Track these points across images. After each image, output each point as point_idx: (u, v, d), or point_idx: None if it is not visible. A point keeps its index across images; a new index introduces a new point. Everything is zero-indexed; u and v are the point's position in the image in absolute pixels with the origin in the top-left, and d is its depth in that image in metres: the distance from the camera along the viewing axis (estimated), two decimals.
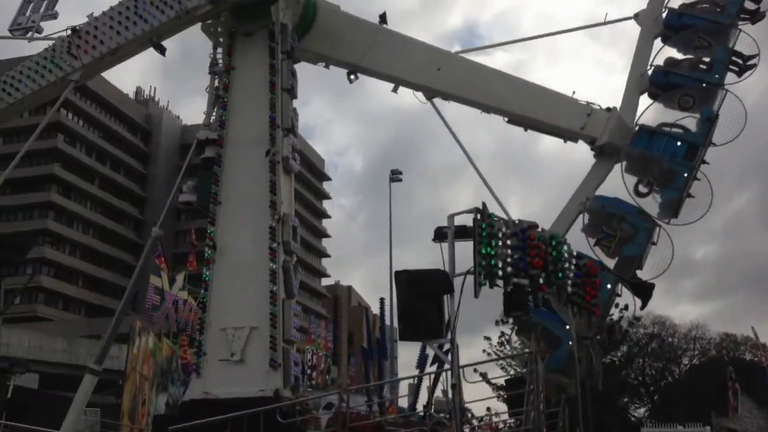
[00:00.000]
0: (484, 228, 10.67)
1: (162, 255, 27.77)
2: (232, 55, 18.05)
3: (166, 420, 16.00)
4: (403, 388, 23.60)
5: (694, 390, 48.25)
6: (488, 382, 26.11)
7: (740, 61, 16.28)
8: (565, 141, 17.32)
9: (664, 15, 17.12)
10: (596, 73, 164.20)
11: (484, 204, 11.15)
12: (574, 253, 12.28)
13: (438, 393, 16.18)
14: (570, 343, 13.40)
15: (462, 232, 10.80)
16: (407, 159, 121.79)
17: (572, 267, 11.87)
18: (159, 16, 17.63)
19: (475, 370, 13.07)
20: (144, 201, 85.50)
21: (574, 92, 16.97)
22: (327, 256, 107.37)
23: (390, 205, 36.00)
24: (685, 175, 14.82)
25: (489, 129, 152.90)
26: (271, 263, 16.26)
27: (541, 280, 11.16)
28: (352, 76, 19.03)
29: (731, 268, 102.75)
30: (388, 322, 27.27)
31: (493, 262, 10.63)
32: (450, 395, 10.77)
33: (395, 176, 36.17)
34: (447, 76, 17.92)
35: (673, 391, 53.71)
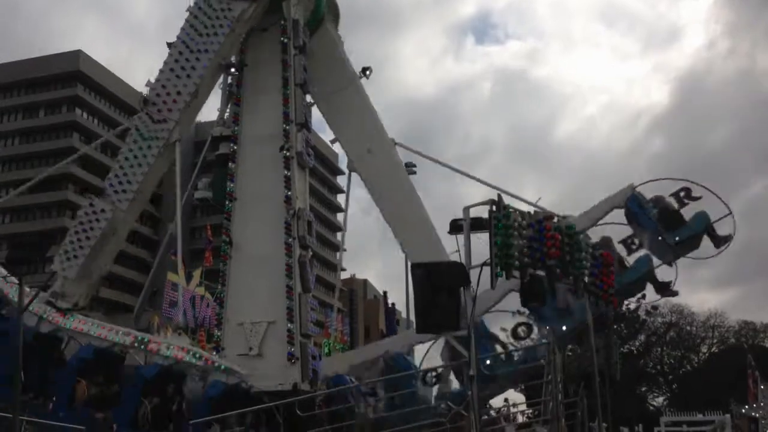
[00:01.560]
0: (500, 219, 10.64)
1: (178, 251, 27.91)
2: (245, 51, 18.09)
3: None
4: None
5: (713, 378, 47.95)
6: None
7: (715, 238, 16.90)
8: None
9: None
10: (612, 60, 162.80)
11: (499, 195, 11.10)
12: (591, 243, 12.23)
13: (456, 384, 16.24)
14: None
15: (478, 224, 10.76)
16: (421, 149, 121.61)
17: (589, 257, 11.81)
18: (215, 39, 17.18)
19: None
20: (160, 198, 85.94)
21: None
22: (342, 249, 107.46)
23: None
24: None
25: (502, 120, 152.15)
26: (286, 258, 16.35)
27: (558, 271, 11.12)
28: (367, 72, 19.15)
29: (749, 256, 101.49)
30: (404, 314, 27.34)
31: (509, 253, 10.59)
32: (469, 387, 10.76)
33: (409, 169, 35.99)
34: (371, 161, 18.84)
35: (692, 380, 53.38)
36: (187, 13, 17.35)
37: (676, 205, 16.91)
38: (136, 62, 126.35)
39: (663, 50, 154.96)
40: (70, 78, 77.08)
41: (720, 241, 16.77)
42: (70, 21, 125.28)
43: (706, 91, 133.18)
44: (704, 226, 16.57)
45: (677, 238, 16.41)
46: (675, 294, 16.99)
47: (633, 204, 16.92)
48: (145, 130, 17.03)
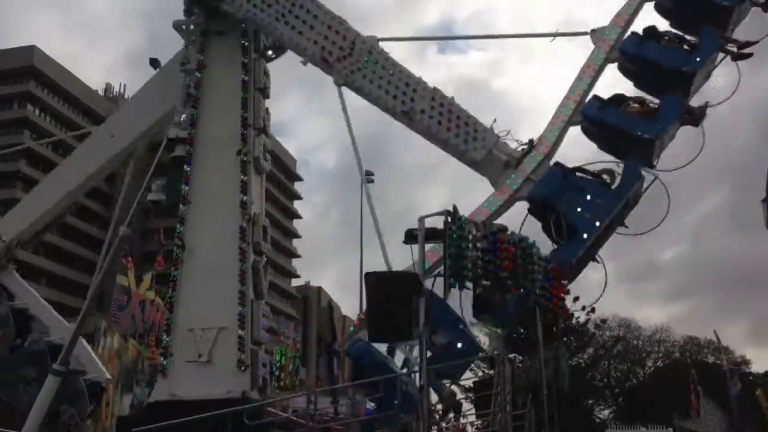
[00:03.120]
0: (454, 230, 10.74)
1: (129, 254, 27.42)
2: (205, 53, 17.92)
3: (130, 421, 15.80)
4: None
5: (657, 392, 48.99)
6: (457, 383, 26.19)
7: (734, 49, 15.10)
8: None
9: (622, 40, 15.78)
10: (570, 73, 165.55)
11: (454, 206, 11.23)
12: (543, 257, 12.42)
13: None
14: (585, 236, 13.43)
15: (432, 235, 10.85)
16: (379, 158, 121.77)
17: (541, 270, 11.99)
18: None
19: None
20: (111, 198, 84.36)
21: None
22: (297, 256, 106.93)
23: (362, 206, 35.80)
24: (585, 236, 13.77)
25: None
26: (240, 263, 16.18)
27: (510, 283, 11.27)
28: (270, 52, 18.74)
29: (697, 272, 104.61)
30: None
31: (462, 264, 10.70)
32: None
33: (367, 177, 36.04)
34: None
35: (638, 393, 54.46)
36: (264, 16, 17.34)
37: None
38: (89, 57, 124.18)
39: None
40: (24, 74, 75.32)
41: (739, 55, 14.84)
42: (23, 14, 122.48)
43: None
44: (679, 110, 14.66)
45: (659, 126, 14.44)
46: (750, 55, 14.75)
47: (590, 108, 15.13)
48: (355, 65, 16.31)
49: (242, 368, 15.49)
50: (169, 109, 18.77)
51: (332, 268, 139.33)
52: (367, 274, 10.53)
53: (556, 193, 14.01)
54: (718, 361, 47.80)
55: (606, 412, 57.34)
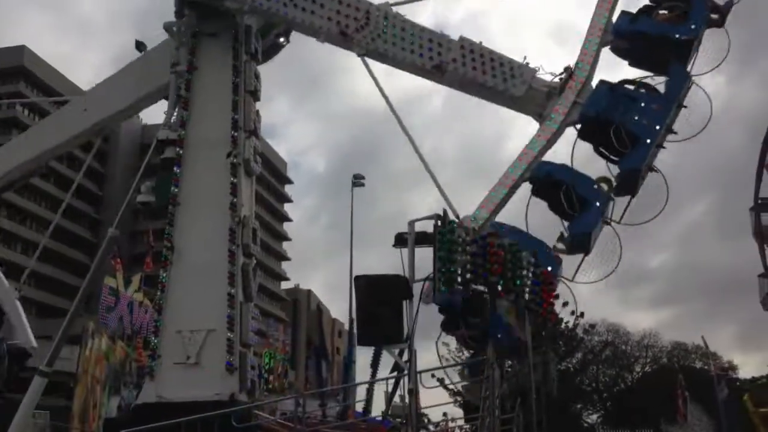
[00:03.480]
0: (444, 234, 10.75)
1: (118, 256, 27.29)
2: (195, 54, 17.89)
3: (117, 424, 15.74)
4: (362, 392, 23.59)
5: (645, 397, 49.19)
6: (445, 387, 26.15)
7: (717, 16, 14.80)
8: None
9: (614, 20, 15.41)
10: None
11: (444, 210, 11.25)
12: (533, 261, 12.44)
13: (396, 398, 16.24)
14: (598, 204, 13.19)
15: (422, 238, 10.85)
16: (371, 161, 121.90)
17: (530, 275, 12.02)
18: None
19: (433, 376, 13.06)
20: (101, 200, 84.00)
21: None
22: (287, 259, 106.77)
23: (352, 211, 35.83)
24: (648, 141, 13.53)
25: (455, 134, 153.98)
26: (229, 265, 16.15)
27: (499, 287, 11.28)
28: (282, 39, 18.78)
29: (685, 277, 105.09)
30: (346, 326, 27.25)
31: (452, 268, 10.70)
32: (407, 400, 10.79)
33: (357, 181, 36.14)
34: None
35: (626, 398, 54.66)
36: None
37: None
38: (81, 57, 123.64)
39: (611, 70, 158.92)
40: (13, 74, 74.92)
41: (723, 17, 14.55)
42: (14, 14, 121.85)
43: None
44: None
45: (693, 26, 14.12)
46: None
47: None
48: (370, 34, 16.02)
49: (231, 371, 15.44)
50: (145, 93, 18.91)
51: (322, 271, 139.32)
52: (357, 277, 10.54)
53: (609, 108, 13.90)
54: (706, 367, 48.03)
55: (594, 416, 57.58)
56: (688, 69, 14.43)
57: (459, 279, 10.88)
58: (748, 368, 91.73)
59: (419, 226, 10.85)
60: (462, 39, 15.49)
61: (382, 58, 16.02)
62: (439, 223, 10.81)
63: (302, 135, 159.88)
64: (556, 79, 14.91)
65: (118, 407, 21.30)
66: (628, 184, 13.57)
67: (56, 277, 75.91)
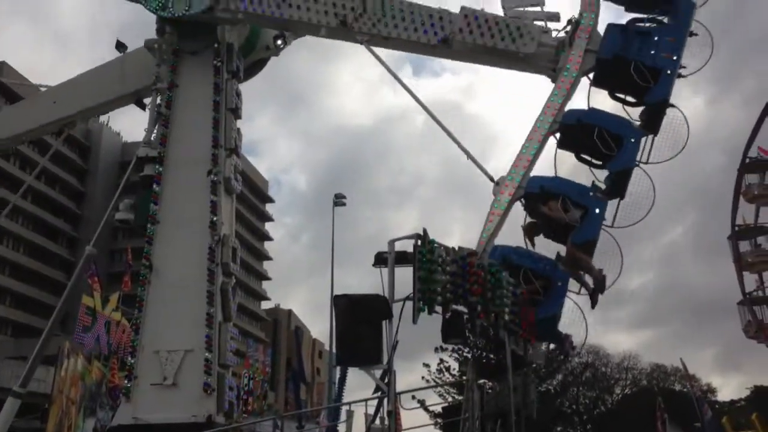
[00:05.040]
0: (424, 254, 10.71)
1: (95, 274, 26.94)
2: (176, 72, 17.85)
3: None
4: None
5: (625, 419, 49.23)
6: (426, 409, 26.08)
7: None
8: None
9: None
10: (542, 97, 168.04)
11: (425, 230, 11.20)
12: (512, 282, 12.42)
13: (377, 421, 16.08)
14: (633, 139, 13.15)
15: (402, 258, 10.80)
16: (353, 179, 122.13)
17: (510, 295, 12.00)
18: None
19: (413, 397, 12.99)
20: (80, 218, 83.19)
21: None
22: (268, 278, 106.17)
23: (333, 230, 35.71)
24: (669, 72, 13.54)
25: (435, 153, 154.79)
26: (208, 284, 16.00)
27: (479, 308, 11.25)
28: (279, 41, 18.65)
29: (664, 299, 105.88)
30: (326, 346, 27.08)
31: (432, 288, 10.66)
32: (386, 422, 10.68)
33: (339, 200, 36.10)
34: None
35: (606, 421, 54.65)
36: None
37: None
38: (59, 70, 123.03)
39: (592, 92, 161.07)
40: None
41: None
42: None
43: None
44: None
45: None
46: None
47: (569, 116, 14.44)
48: (376, 17, 16.08)
49: (208, 392, 15.23)
50: (117, 96, 18.88)
51: (303, 290, 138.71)
52: (337, 296, 10.45)
53: (624, 47, 14.01)
54: (685, 389, 48.18)
55: None
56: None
57: (439, 299, 10.83)
58: (726, 391, 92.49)
59: (399, 246, 10.81)
60: (463, 8, 15.64)
61: (386, 42, 16.10)
62: (419, 242, 10.78)
63: (284, 152, 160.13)
64: (563, 34, 15.09)
65: (94, 429, 20.95)
66: (654, 121, 13.37)
67: (33, 296, 74.88)
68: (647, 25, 14.74)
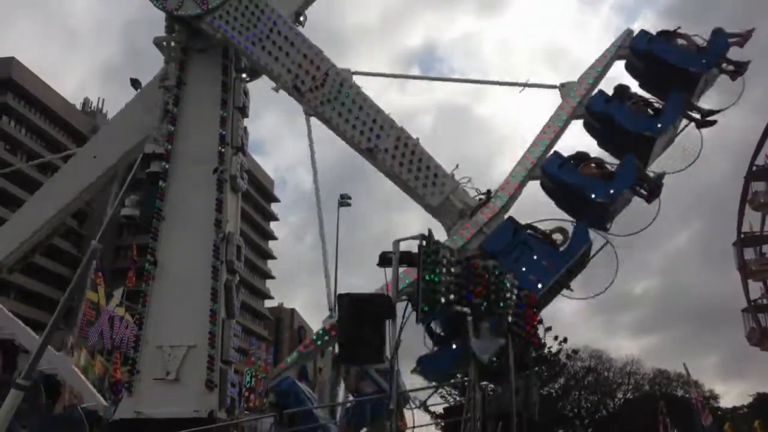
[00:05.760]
0: (428, 255, 10.74)
1: (100, 270, 27.06)
2: (184, 70, 17.89)
3: None
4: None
5: (626, 424, 49.14)
6: (427, 409, 25.99)
7: (698, 117, 14.96)
8: None
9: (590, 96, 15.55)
10: (552, 102, 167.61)
11: (429, 231, 11.23)
12: (516, 284, 12.44)
13: None
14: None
15: (407, 258, 10.83)
16: (358, 179, 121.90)
17: (513, 297, 12.01)
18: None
19: (414, 398, 13.00)
20: (85, 214, 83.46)
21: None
22: (271, 277, 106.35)
23: (337, 230, 35.70)
24: None
25: (442, 155, 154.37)
26: (212, 281, 16.05)
27: (482, 309, 11.26)
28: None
29: (669, 305, 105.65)
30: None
31: (435, 288, 10.68)
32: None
33: (344, 201, 36.08)
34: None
35: (607, 425, 54.56)
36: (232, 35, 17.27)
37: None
38: (67, 66, 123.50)
39: None
40: (1, 85, 74.70)
41: (703, 123, 14.63)
42: (1, 20, 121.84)
43: None
44: (635, 174, 14.25)
45: (612, 191, 14.05)
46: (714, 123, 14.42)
47: (551, 165, 14.67)
48: (327, 96, 16.25)
49: (210, 387, 15.29)
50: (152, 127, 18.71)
51: (306, 290, 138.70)
52: (340, 295, 10.48)
53: (505, 250, 13.70)
54: (687, 395, 48.07)
55: None
56: (608, 227, 14.40)
57: (442, 300, 10.85)
58: (728, 398, 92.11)
59: (404, 246, 10.83)
60: (401, 130, 15.70)
61: (326, 122, 16.35)
62: (424, 243, 10.80)
63: (290, 152, 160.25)
64: (478, 198, 15.03)
65: None
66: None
67: (37, 291, 75.16)
68: (542, 238, 14.20)
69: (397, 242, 10.76)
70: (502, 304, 11.50)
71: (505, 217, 14.64)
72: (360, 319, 9.69)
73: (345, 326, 9.95)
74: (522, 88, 16.72)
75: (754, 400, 54.21)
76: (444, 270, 10.81)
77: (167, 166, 17.12)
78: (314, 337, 14.94)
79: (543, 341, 15.27)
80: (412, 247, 10.76)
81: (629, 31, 15.91)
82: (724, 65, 14.83)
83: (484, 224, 14.52)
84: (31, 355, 14.24)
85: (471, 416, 10.78)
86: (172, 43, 18.10)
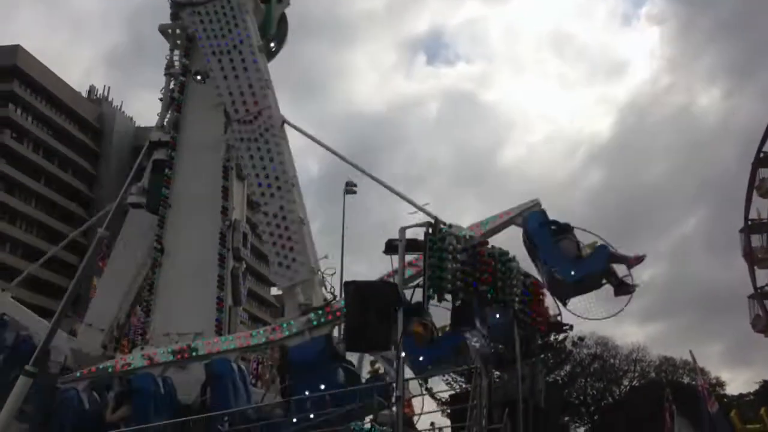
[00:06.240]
0: (435, 242, 10.74)
1: (107, 257, 27.11)
2: (190, 57, 17.85)
3: None
4: None
5: (632, 411, 49.20)
6: (433, 396, 26.06)
7: (615, 283, 14.06)
8: None
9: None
10: (558, 88, 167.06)
11: (436, 218, 11.23)
12: (523, 271, 12.44)
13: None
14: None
15: (413, 246, 10.83)
16: (364, 166, 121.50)
17: (520, 284, 12.02)
18: (242, 28, 16.79)
19: (420, 384, 13.03)
20: (92, 202, 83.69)
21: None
22: None
23: (343, 218, 35.67)
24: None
25: (448, 142, 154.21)
26: (219, 269, 16.08)
27: (489, 296, 11.27)
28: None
29: (675, 292, 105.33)
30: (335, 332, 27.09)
31: (442, 276, 10.69)
32: (394, 408, 10.74)
33: (350, 188, 36.02)
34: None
35: (613, 412, 54.64)
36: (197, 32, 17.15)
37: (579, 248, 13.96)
38: (73, 53, 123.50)
39: (608, 82, 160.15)
40: (7, 73, 74.70)
41: (622, 289, 13.95)
42: (6, 7, 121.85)
43: (647, 125, 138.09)
44: (604, 264, 13.81)
45: (573, 273, 13.53)
46: (633, 290, 13.99)
47: (533, 220, 14.11)
48: (248, 134, 16.01)
49: None
50: None
51: None
52: (347, 283, 10.50)
53: (311, 369, 12.99)
54: (694, 382, 48.07)
55: (581, 429, 57.56)
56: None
57: (449, 287, 10.87)
58: (734, 385, 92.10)
59: (410, 234, 10.83)
60: (289, 203, 15.33)
61: (237, 158, 16.46)
62: (430, 230, 10.80)
63: (295, 139, 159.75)
64: (325, 298, 14.54)
65: None
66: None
67: (45, 278, 75.52)
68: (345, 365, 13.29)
69: (403, 229, 10.77)
70: (508, 291, 11.52)
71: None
72: (366, 306, 9.69)
73: (351, 313, 9.96)
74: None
75: (760, 388, 54.14)
76: (450, 257, 10.83)
77: (173, 154, 17.11)
78: (283, 325, 14.23)
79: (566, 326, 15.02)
80: (419, 234, 10.78)
81: (536, 202, 14.61)
82: (611, 279, 14.03)
83: (306, 328, 13.89)
84: (40, 341, 14.35)
85: (477, 403, 10.81)
86: (178, 31, 18.04)
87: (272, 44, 18.64)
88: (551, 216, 14.20)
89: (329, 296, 14.47)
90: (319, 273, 14.94)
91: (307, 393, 12.02)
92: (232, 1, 16.77)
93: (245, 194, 18.10)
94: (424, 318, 11.26)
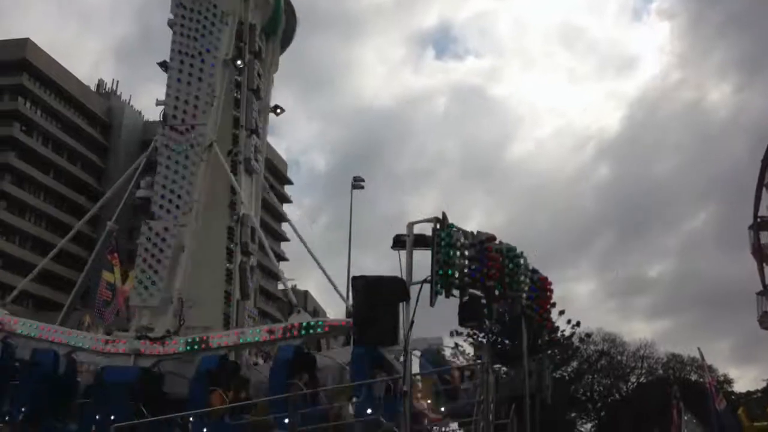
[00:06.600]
0: (442, 237, 10.73)
1: (115, 250, 27.21)
2: None
3: None
4: None
5: (639, 407, 49.08)
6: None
7: None
8: None
9: None
10: (567, 83, 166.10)
11: (444, 213, 11.21)
12: (530, 267, 12.41)
13: None
14: None
15: (421, 241, 10.82)
16: (372, 161, 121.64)
17: (527, 280, 11.99)
18: (212, 38, 17.08)
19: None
20: (101, 195, 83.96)
21: None
22: (285, 259, 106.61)
23: (351, 213, 35.66)
24: None
25: (456, 136, 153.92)
26: (227, 263, 16.13)
27: (496, 292, 11.25)
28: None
29: (683, 288, 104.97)
30: None
31: (450, 271, 10.68)
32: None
33: (357, 183, 36.01)
34: None
35: (620, 408, 54.51)
36: (174, 25, 17.22)
37: None
38: (82, 46, 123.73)
39: (618, 77, 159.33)
40: (16, 66, 74.87)
41: None
42: (16, 1, 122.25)
43: (656, 120, 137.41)
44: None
45: None
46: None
47: None
48: (174, 144, 16.38)
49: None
50: None
51: (320, 272, 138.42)
52: (354, 278, 10.50)
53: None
54: (701, 379, 47.91)
55: (588, 425, 57.45)
56: None
57: (456, 282, 10.85)
58: (742, 382, 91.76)
59: (418, 229, 10.83)
60: (176, 228, 15.76)
61: (156, 165, 16.72)
62: (438, 225, 10.79)
63: (303, 133, 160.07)
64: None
65: None
66: None
67: (54, 271, 75.85)
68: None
69: (411, 225, 10.76)
70: (516, 287, 11.50)
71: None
72: (374, 301, 9.70)
73: (359, 308, 9.97)
74: None
75: None
76: (458, 252, 10.81)
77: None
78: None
79: (556, 325, 15.22)
80: (426, 230, 10.77)
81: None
82: None
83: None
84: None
85: (484, 399, 10.82)
86: None
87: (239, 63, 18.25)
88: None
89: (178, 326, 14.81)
90: (175, 302, 15.12)
91: None
92: (218, 6, 16.78)
93: (254, 189, 18.16)
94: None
